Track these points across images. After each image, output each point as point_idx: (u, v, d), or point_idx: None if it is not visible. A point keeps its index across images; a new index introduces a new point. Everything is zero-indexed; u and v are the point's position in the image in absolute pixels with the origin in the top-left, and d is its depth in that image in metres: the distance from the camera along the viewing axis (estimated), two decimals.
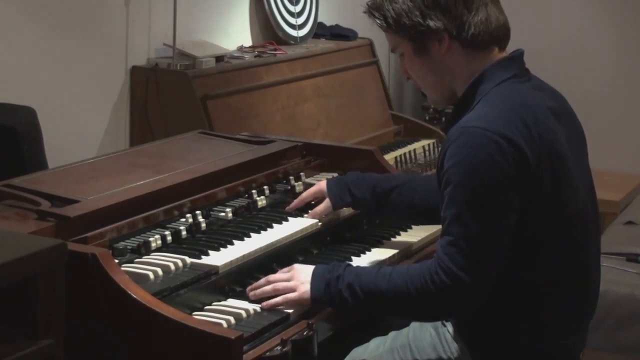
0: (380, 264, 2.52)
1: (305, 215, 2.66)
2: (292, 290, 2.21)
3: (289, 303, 2.20)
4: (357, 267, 2.23)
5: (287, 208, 2.68)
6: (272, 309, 2.20)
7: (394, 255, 2.59)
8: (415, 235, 2.75)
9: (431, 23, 2.16)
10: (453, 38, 2.17)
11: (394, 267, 2.19)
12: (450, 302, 2.11)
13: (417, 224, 2.79)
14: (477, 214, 2.06)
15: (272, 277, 2.26)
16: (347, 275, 2.17)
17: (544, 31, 5.31)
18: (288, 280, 2.23)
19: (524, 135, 2.07)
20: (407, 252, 2.65)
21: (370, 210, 2.67)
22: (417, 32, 2.18)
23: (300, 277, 2.22)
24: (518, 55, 2.24)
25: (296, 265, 2.30)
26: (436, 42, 2.18)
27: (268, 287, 2.23)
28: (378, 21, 2.23)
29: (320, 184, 2.68)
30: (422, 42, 2.19)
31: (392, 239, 2.71)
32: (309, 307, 2.22)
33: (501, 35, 2.21)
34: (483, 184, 2.05)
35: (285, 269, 2.30)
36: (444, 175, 2.10)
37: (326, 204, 2.63)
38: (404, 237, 2.74)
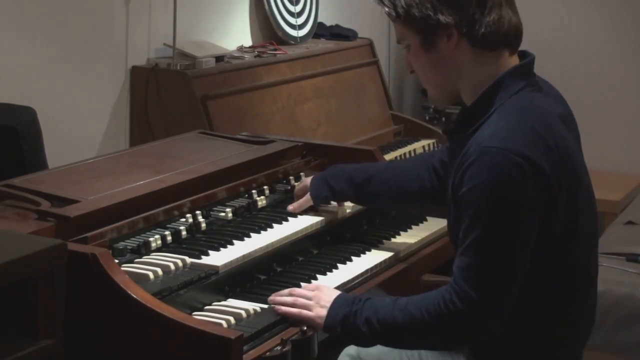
0: (380, 264, 2.53)
1: (289, 207, 2.67)
2: (309, 309, 2.18)
3: (301, 319, 2.18)
4: (375, 301, 2.18)
5: (290, 209, 2.68)
6: (283, 315, 2.18)
7: (393, 256, 2.59)
8: (415, 235, 2.75)
9: (441, 18, 2.11)
10: (462, 35, 2.13)
11: (410, 298, 2.15)
12: (466, 326, 2.09)
13: (398, 209, 2.83)
14: (498, 239, 2.04)
15: (296, 290, 2.23)
16: (365, 310, 2.14)
17: (543, 32, 5.31)
18: (309, 298, 2.20)
19: (544, 152, 2.04)
20: (406, 253, 2.65)
21: (352, 200, 2.69)
22: (426, 25, 2.13)
23: (320, 300, 2.19)
24: (530, 62, 2.20)
25: (322, 286, 2.27)
26: (445, 38, 2.14)
27: (288, 299, 2.20)
28: (387, 9, 2.18)
29: (306, 179, 2.72)
30: (431, 36, 2.14)
31: (392, 240, 2.71)
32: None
33: (512, 37, 2.17)
34: (506, 208, 2.03)
35: (312, 286, 2.27)
36: (464, 195, 2.07)
37: (306, 197, 2.67)
38: (404, 237, 2.74)
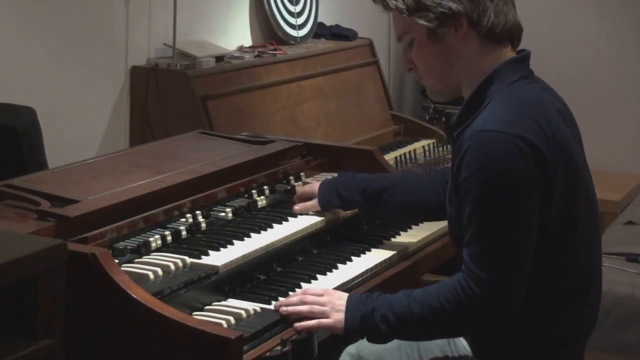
0: (380, 264, 2.53)
1: (295, 207, 2.66)
2: (327, 316, 2.17)
3: (322, 328, 2.17)
4: (387, 296, 2.17)
5: (297, 209, 2.67)
6: (304, 330, 2.15)
7: (393, 256, 2.59)
8: (415, 235, 2.75)
9: (453, 5, 2.12)
10: (472, 25, 2.14)
11: (425, 289, 2.15)
12: (485, 311, 2.09)
13: (412, 222, 2.81)
14: (502, 221, 2.04)
15: (308, 297, 2.20)
16: (381, 307, 2.13)
17: (543, 32, 5.31)
18: (323, 304, 2.18)
19: (540, 137, 2.05)
20: (406, 253, 2.66)
21: (362, 210, 2.67)
22: (437, 14, 2.13)
23: (335, 305, 2.18)
24: (526, 56, 2.22)
25: (328, 289, 2.25)
26: (452, 29, 2.14)
27: (304, 308, 2.18)
28: (392, 2, 2.18)
29: (314, 184, 2.70)
30: (439, 26, 2.14)
31: (392, 239, 2.71)
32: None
33: (515, 34, 2.20)
34: (506, 189, 2.03)
35: (319, 291, 2.24)
36: (463, 182, 2.08)
37: (313, 203, 2.65)
38: (404, 237, 2.74)
